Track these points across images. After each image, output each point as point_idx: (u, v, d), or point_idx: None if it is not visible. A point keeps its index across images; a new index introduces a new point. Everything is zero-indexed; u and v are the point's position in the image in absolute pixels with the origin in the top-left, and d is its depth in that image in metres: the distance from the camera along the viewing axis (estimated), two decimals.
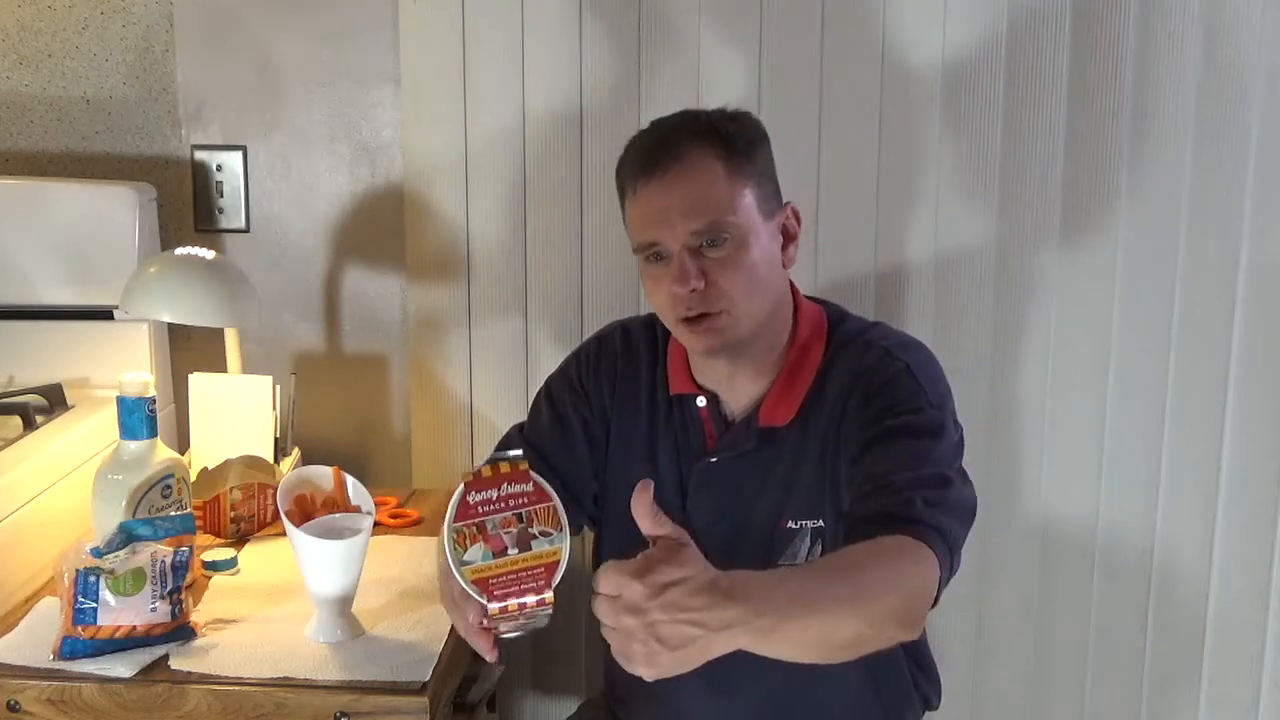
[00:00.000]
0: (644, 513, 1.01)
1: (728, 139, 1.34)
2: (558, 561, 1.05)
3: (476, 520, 1.05)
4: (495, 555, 1.04)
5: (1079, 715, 2.00)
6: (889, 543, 1.17)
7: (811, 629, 1.05)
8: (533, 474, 1.07)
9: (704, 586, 0.98)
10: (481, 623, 1.10)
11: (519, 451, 1.10)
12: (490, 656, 1.12)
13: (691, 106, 1.46)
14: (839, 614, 1.07)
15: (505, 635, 1.09)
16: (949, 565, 1.20)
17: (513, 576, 1.05)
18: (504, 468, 1.07)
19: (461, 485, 1.06)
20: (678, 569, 0.98)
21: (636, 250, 1.38)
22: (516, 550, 1.05)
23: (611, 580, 0.98)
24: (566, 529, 1.06)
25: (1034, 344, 1.90)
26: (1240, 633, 1.96)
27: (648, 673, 0.99)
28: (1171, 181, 1.84)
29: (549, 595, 1.05)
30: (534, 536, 1.05)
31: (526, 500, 1.06)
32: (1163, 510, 1.93)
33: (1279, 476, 1.91)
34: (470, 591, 1.05)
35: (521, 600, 1.05)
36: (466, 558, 1.04)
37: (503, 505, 1.06)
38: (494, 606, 1.05)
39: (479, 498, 1.05)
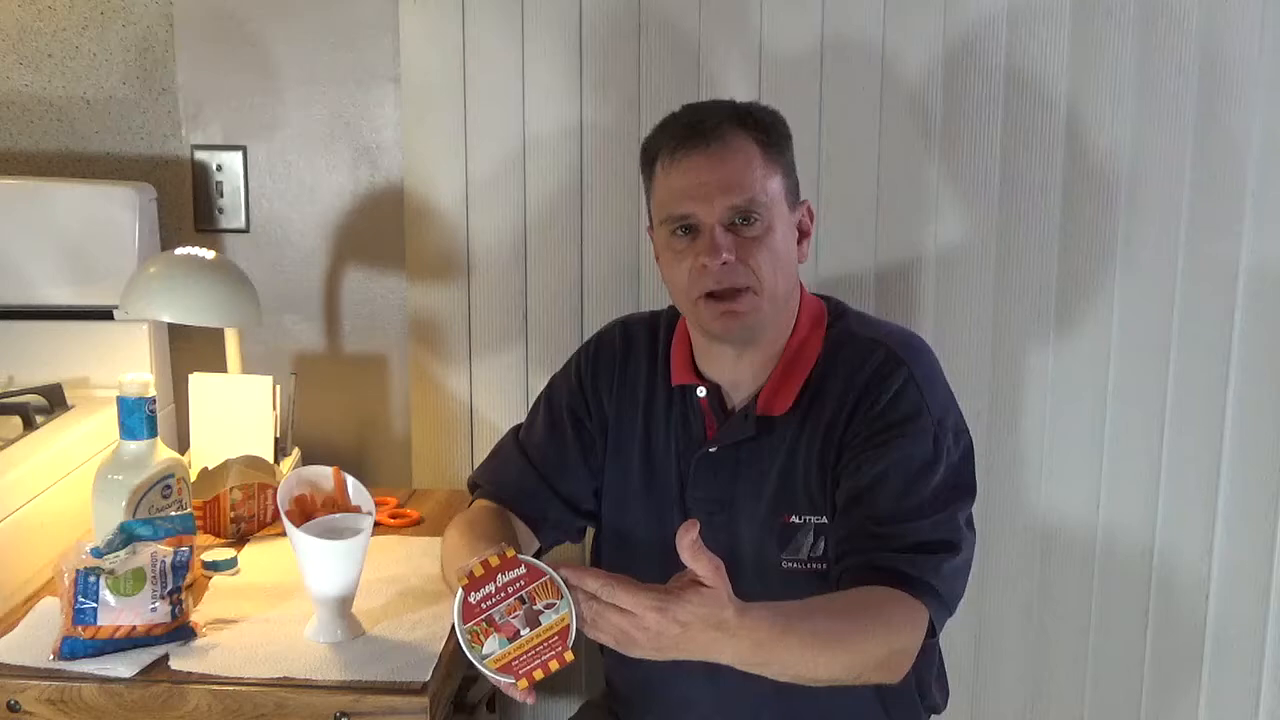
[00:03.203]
0: (685, 547, 1.06)
1: (765, 127, 1.39)
2: (568, 626, 1.10)
3: (484, 616, 1.10)
4: (510, 640, 1.10)
5: (1079, 715, 2.00)
6: (884, 597, 1.24)
7: (792, 671, 1.17)
8: (521, 557, 1.12)
9: (713, 625, 1.07)
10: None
11: (501, 544, 1.17)
12: (531, 700, 1.16)
13: (693, 101, 1.47)
14: (823, 662, 1.19)
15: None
16: (943, 621, 1.28)
17: (532, 652, 1.10)
18: (493, 561, 1.11)
19: (460, 589, 1.10)
20: (699, 607, 1.06)
21: (664, 223, 1.39)
22: (529, 629, 1.10)
23: (632, 600, 1.05)
24: (568, 594, 1.10)
25: (1034, 344, 1.90)
26: (1240, 633, 1.96)
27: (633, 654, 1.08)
28: (1172, 181, 1.84)
29: (569, 654, 1.11)
30: (540, 612, 1.10)
31: (523, 582, 1.11)
32: (1163, 510, 1.93)
33: (1279, 476, 1.91)
34: (497, 679, 1.11)
35: (545, 667, 1.11)
36: (485, 652, 1.10)
37: (503, 595, 1.10)
38: (523, 683, 1.11)
39: (479, 595, 1.10)
